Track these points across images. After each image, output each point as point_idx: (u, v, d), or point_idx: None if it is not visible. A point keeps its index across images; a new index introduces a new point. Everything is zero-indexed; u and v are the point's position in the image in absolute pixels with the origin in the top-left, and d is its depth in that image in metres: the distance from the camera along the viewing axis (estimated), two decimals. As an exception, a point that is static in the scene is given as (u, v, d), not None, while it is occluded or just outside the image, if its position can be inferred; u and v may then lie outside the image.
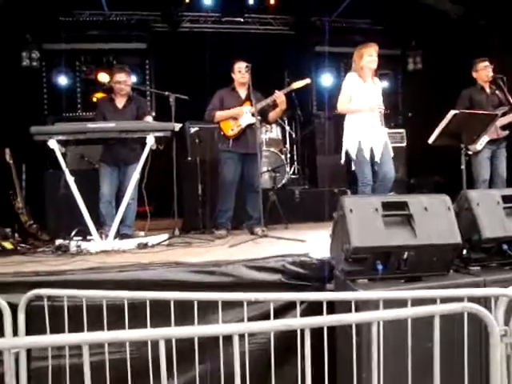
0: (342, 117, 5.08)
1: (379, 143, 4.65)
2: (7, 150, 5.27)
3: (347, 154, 4.74)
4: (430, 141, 4.66)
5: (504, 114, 5.30)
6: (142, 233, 5.05)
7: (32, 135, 4.35)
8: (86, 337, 1.81)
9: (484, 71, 5.46)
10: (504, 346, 2.08)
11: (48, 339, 1.78)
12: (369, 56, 4.69)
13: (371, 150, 4.63)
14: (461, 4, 7.97)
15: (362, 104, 4.66)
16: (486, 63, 5.48)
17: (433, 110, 7.85)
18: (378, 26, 9.59)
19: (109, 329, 2.75)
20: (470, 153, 5.18)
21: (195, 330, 1.84)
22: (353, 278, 2.87)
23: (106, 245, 4.24)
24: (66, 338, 1.87)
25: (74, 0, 8.23)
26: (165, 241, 4.47)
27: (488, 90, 5.50)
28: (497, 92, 5.45)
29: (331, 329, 2.77)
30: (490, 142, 5.35)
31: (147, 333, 1.87)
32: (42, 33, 8.21)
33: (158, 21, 9.00)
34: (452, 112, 4.47)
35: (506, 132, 5.38)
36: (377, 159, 4.65)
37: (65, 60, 8.61)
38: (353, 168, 4.82)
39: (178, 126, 4.51)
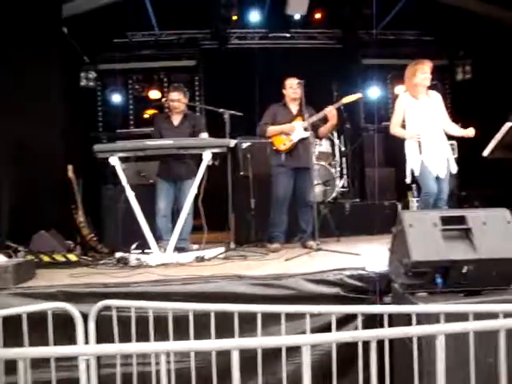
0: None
1: (440, 160, 4.63)
2: (70, 167, 5.52)
3: (412, 172, 4.72)
4: (485, 154, 4.60)
5: None
6: (196, 246, 5.19)
7: (94, 152, 4.57)
8: (165, 346, 1.92)
9: None
10: None
11: (134, 347, 1.90)
12: (423, 74, 4.64)
13: (434, 166, 4.61)
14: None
15: (406, 132, 4.69)
16: None
17: (484, 120, 7.73)
18: (426, 37, 9.54)
19: (174, 339, 2.89)
20: None
21: (268, 341, 1.92)
22: (412, 291, 2.90)
23: (165, 258, 4.38)
24: (147, 347, 1.98)
25: (127, 22, 8.58)
26: (221, 254, 4.59)
27: None
28: None
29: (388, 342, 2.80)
30: None
31: (220, 343, 1.96)
32: (98, 54, 8.64)
33: (207, 38, 9.25)
34: (508, 124, 4.40)
35: None
36: (436, 175, 4.63)
37: (118, 79, 9.02)
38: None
39: (233, 142, 4.65)
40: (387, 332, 2.05)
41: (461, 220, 2.97)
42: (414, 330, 2.10)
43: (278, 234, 5.21)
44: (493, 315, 2.27)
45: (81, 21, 7.34)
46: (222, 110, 5.14)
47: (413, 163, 4.67)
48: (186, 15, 8.37)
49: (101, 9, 7.56)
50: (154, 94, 8.98)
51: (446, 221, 2.94)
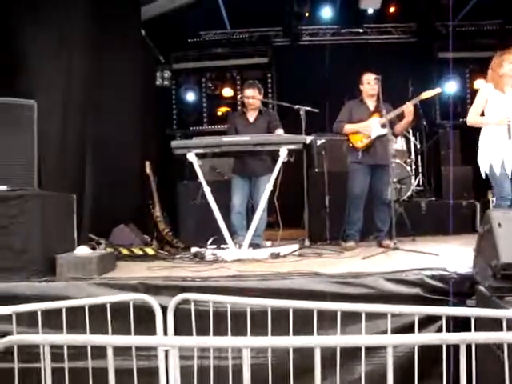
0: (468, 127, 4.83)
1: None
2: (147, 163, 5.70)
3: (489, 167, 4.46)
4: None
5: None
6: (269, 242, 5.20)
7: (172, 149, 4.67)
8: (246, 341, 1.92)
9: None
10: None
11: (214, 341, 1.92)
12: (510, 63, 4.32)
13: (504, 164, 4.31)
14: None
15: (493, 117, 4.35)
16: None
17: None
18: (510, 26, 9.05)
19: (250, 335, 2.90)
20: None
21: (350, 340, 1.88)
22: (501, 294, 2.75)
23: (241, 254, 4.42)
24: (227, 341, 2.00)
25: (201, 22, 8.76)
26: (296, 251, 4.58)
27: None
28: None
29: (469, 346, 2.68)
30: None
31: (301, 341, 1.93)
32: (172, 54, 8.90)
33: (279, 35, 9.29)
34: None
35: None
36: (509, 173, 4.34)
37: (192, 78, 9.23)
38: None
39: (309, 139, 4.61)
40: (478, 336, 1.95)
41: (556, 221, 2.79)
42: (509, 336, 1.99)
43: (353, 232, 5.16)
44: None
45: (156, 22, 7.58)
46: (297, 106, 5.12)
47: (482, 158, 4.38)
48: (258, 13, 8.44)
49: (175, 10, 7.76)
50: (227, 92, 9.13)
51: (538, 221, 2.77)
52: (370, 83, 5.11)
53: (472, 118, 4.49)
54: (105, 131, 5.43)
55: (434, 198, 7.19)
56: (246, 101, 5.33)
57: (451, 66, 8.64)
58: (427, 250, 4.41)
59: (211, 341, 2.17)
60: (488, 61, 4.64)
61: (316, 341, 1.85)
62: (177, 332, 3.10)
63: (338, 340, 1.88)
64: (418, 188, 7.40)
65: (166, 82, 8.74)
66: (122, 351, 3.07)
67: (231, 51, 9.18)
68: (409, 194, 6.72)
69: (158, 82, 8.60)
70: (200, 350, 3.11)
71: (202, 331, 3.00)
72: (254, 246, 4.76)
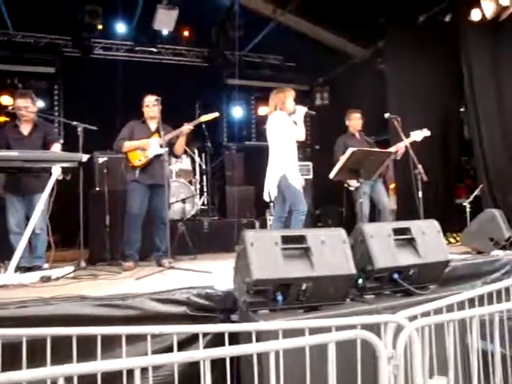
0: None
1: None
2: None
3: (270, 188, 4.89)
4: (331, 176, 4.98)
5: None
6: (46, 265, 4.88)
7: None
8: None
9: (356, 121, 6.18)
10: (391, 367, 2.23)
11: None
12: (293, 99, 5.05)
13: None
14: (366, 48, 8.66)
15: (287, 144, 4.92)
16: (358, 115, 6.19)
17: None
18: (289, 63, 10.10)
19: (3, 370, 2.66)
20: (351, 188, 5.58)
21: (95, 366, 1.86)
22: (255, 309, 2.99)
23: (5, 279, 4.03)
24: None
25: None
26: (70, 273, 4.35)
27: (358, 137, 6.18)
28: (365, 138, 6.19)
29: (237, 359, 2.85)
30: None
31: (46, 372, 1.85)
32: None
33: (69, 45, 8.88)
34: (350, 149, 4.82)
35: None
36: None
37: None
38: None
39: (85, 157, 4.42)
40: (223, 351, 2.08)
41: (300, 239, 3.13)
42: (248, 348, 2.16)
43: (132, 252, 5.10)
44: (328, 329, 2.39)
45: None
46: (75, 122, 4.90)
47: (274, 179, 4.84)
48: (46, 18, 7.97)
49: None
50: (7, 100, 8.33)
51: (286, 240, 3.08)
52: (149, 106, 5.21)
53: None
54: None
55: (216, 217, 7.53)
56: (17, 112, 4.89)
57: (238, 92, 9.26)
58: (204, 268, 4.55)
59: None
60: (270, 90, 5.20)
61: (58, 371, 1.79)
62: None
63: (83, 368, 1.83)
64: (203, 207, 7.68)
65: None
66: None
67: (13, 56, 8.44)
68: (193, 212, 6.92)
69: None
70: None
71: None
72: (36, 268, 4.44)
